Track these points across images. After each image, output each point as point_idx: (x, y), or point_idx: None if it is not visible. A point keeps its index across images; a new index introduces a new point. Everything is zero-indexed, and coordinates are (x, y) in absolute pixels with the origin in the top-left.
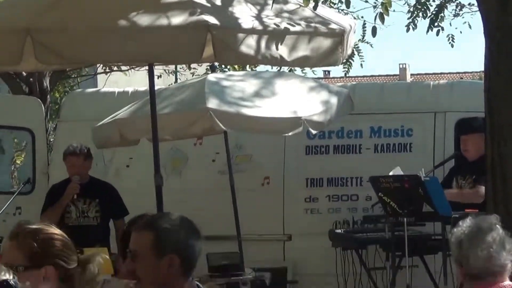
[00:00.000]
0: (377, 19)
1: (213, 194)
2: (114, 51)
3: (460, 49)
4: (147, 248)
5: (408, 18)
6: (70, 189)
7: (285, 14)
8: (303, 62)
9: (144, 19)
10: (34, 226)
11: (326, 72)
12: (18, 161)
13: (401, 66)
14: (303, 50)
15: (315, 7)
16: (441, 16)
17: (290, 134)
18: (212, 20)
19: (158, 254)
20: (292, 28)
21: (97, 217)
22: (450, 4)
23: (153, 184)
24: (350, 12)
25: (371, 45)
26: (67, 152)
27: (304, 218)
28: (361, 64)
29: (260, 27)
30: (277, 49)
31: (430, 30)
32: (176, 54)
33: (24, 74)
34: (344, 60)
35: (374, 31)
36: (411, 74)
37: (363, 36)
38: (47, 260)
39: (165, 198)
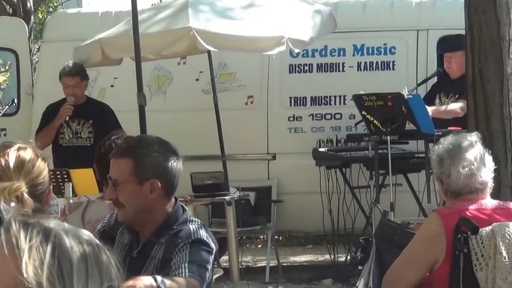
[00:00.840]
0: None
1: (197, 113)
2: None
3: None
4: (127, 175)
5: None
6: (63, 110)
7: None
8: None
9: None
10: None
11: None
12: (1, 81)
13: None
14: None
15: None
16: None
17: (273, 52)
18: None
19: (139, 181)
20: None
21: (90, 137)
22: None
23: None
24: None
25: None
26: (62, 73)
27: (288, 137)
28: None
29: None
30: None
31: None
32: None
33: None
34: None
35: None
36: None
37: None
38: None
39: (148, 117)
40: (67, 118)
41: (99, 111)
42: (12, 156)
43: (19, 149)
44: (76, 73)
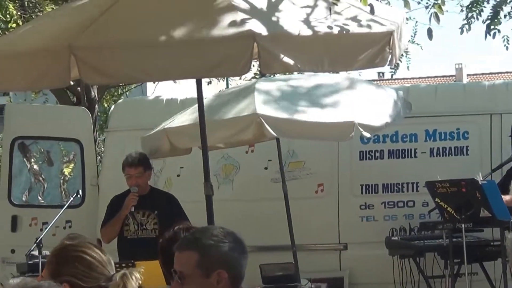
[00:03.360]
0: (432, 20)
1: (266, 203)
2: (161, 68)
3: None
4: (193, 268)
5: (464, 19)
6: (128, 201)
7: (333, 16)
8: (349, 65)
9: (186, 33)
10: (67, 243)
11: (380, 74)
12: (66, 173)
13: (457, 66)
14: (349, 53)
15: (372, 11)
16: (497, 19)
17: (343, 139)
18: (258, 29)
19: (205, 273)
20: (339, 31)
21: (155, 229)
22: (505, 5)
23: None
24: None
25: (421, 47)
26: (125, 163)
27: (360, 226)
28: (408, 67)
29: (306, 32)
30: (322, 54)
31: (488, 35)
32: (224, 68)
33: (72, 83)
34: (395, 61)
35: (429, 33)
36: (468, 75)
37: (414, 37)
38: (61, 277)
39: (216, 207)
40: (132, 209)
41: (164, 201)
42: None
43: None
44: (139, 163)
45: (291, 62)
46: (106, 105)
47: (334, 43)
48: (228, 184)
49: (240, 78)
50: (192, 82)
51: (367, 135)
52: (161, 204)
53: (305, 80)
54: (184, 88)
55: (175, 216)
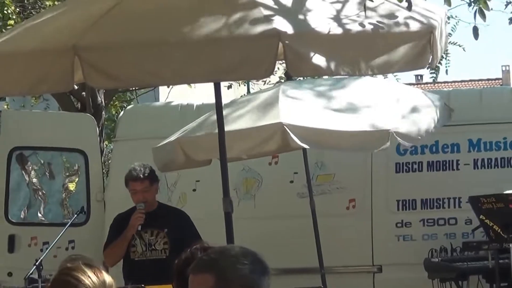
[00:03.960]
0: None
1: (292, 220)
2: (174, 70)
3: None
4: None
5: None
6: (134, 219)
7: (367, 13)
8: (387, 67)
9: (203, 31)
10: (68, 265)
11: (418, 77)
12: (69, 187)
13: (504, 68)
14: (386, 54)
15: (409, 7)
16: None
17: (377, 149)
18: (283, 27)
19: None
20: (374, 30)
21: (165, 249)
22: None
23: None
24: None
25: (463, 49)
26: (129, 177)
27: (396, 246)
28: (446, 71)
29: (337, 31)
30: (357, 55)
31: None
32: (245, 70)
33: (76, 87)
34: (436, 62)
35: (475, 32)
36: None
37: (452, 35)
38: None
39: (236, 225)
40: (139, 228)
41: (174, 219)
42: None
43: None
44: (145, 177)
45: (323, 63)
46: (114, 112)
47: (369, 43)
48: (250, 199)
49: (265, 83)
50: (210, 86)
51: (405, 144)
52: (171, 221)
53: (334, 84)
54: (201, 93)
55: (187, 234)
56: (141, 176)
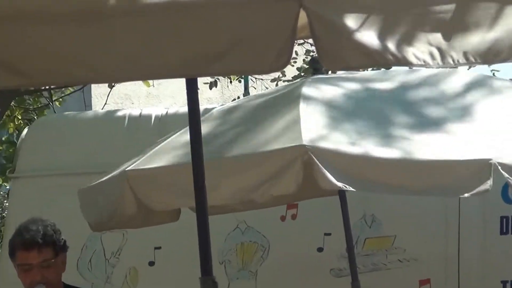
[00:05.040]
0: None
1: None
2: (115, 59)
3: None
4: None
5: None
6: None
7: None
8: (490, 55)
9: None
10: None
11: None
12: None
13: None
14: (488, 32)
15: None
16: None
17: (468, 195)
18: None
19: None
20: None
21: None
22: None
23: None
24: None
25: None
26: (17, 244)
27: None
28: None
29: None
30: (438, 34)
31: None
32: (238, 58)
33: None
34: None
35: None
36: None
37: None
38: None
39: None
40: None
41: None
42: None
43: None
44: (45, 242)
45: (380, 47)
46: (12, 129)
47: (460, 15)
48: (248, 280)
49: (275, 81)
50: (179, 85)
51: None
52: None
53: (389, 81)
54: (164, 96)
55: None
56: (38, 240)
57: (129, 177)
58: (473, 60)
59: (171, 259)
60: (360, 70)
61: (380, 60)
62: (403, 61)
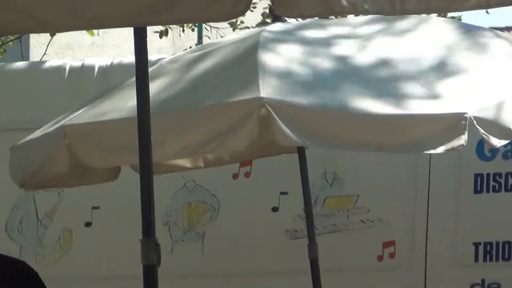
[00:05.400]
0: None
1: (275, 281)
2: (56, 5)
3: None
4: None
5: None
6: None
7: None
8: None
9: None
10: None
11: None
12: None
13: None
14: None
15: None
16: None
17: (441, 151)
18: None
19: None
20: None
21: None
22: None
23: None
24: None
25: None
26: None
27: None
28: None
29: None
30: None
31: None
32: (190, 4)
33: None
34: None
35: None
36: None
37: None
38: None
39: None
40: None
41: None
42: None
43: None
44: None
45: None
46: None
47: None
48: (195, 241)
49: (233, 27)
50: (126, 34)
51: (495, 143)
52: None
53: (354, 30)
54: (110, 46)
55: None
56: None
57: (67, 132)
58: (433, 7)
59: (109, 220)
60: (316, 18)
61: (335, 7)
62: (360, 9)
